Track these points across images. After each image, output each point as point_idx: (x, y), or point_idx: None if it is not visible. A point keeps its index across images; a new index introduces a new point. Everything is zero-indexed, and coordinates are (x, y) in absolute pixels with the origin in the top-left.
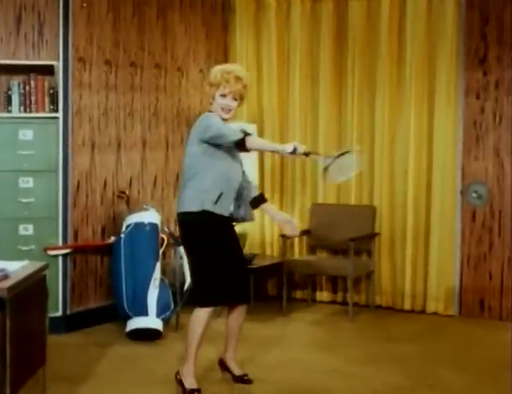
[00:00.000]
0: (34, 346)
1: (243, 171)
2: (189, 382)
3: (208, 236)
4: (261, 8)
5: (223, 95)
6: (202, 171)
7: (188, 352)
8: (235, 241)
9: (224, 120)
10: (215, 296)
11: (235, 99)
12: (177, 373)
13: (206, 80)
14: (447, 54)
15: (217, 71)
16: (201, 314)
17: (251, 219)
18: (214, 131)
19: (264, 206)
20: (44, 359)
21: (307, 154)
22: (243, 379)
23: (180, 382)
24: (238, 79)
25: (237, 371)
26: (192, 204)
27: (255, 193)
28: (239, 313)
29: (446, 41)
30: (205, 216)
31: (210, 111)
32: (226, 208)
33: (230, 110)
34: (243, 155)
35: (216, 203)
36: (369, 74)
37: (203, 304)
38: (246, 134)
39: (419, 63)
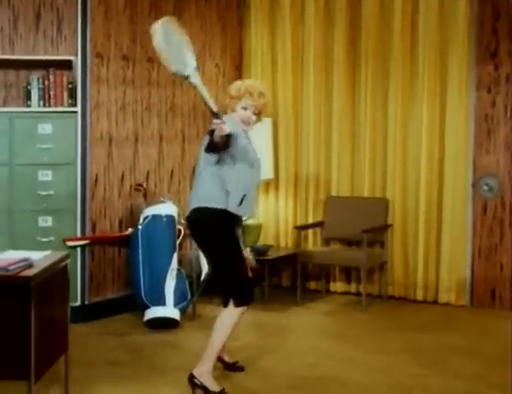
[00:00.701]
0: (56, 334)
1: None
2: (214, 385)
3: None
4: (275, 3)
5: (245, 108)
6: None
7: (211, 351)
8: None
9: (243, 130)
10: (249, 295)
11: (255, 114)
12: (193, 376)
13: (227, 93)
14: (459, 48)
15: (241, 84)
16: (236, 314)
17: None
18: None
19: None
20: (66, 347)
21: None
22: (234, 367)
23: (198, 385)
24: (262, 94)
25: (228, 359)
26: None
27: None
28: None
29: (458, 35)
30: (228, 215)
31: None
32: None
33: (249, 123)
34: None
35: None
36: (382, 68)
37: (241, 303)
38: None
39: (431, 57)
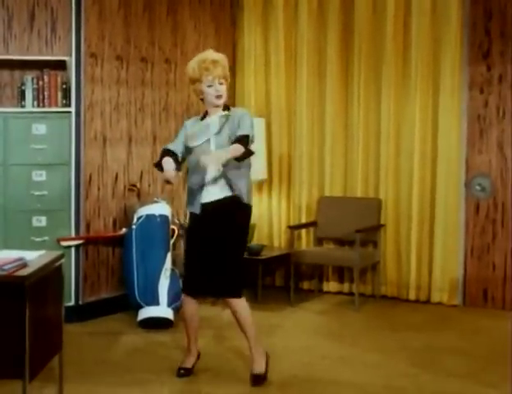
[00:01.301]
0: (50, 333)
1: None
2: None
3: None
4: (268, 4)
5: (210, 85)
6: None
7: (254, 340)
8: None
9: (217, 106)
10: (245, 284)
11: (222, 83)
12: (257, 376)
13: (188, 78)
14: (451, 49)
15: (194, 64)
16: (245, 303)
17: None
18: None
19: None
20: (61, 346)
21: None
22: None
23: (263, 377)
24: (215, 62)
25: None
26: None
27: None
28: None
29: (451, 36)
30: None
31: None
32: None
33: (221, 95)
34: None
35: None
36: (375, 68)
37: (241, 293)
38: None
39: (424, 58)
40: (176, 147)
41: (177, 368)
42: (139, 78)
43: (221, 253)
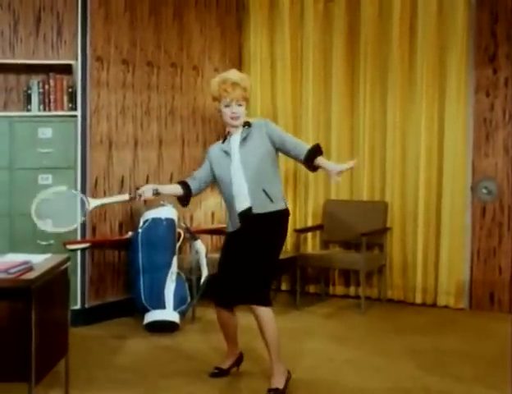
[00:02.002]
0: (56, 336)
1: None
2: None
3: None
4: (274, 8)
5: (227, 105)
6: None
7: (276, 355)
8: None
9: (234, 126)
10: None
11: (240, 105)
12: (275, 390)
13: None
14: (457, 52)
15: (215, 83)
16: (271, 313)
17: None
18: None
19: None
20: (67, 349)
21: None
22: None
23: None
24: (235, 85)
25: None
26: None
27: None
28: None
29: (457, 39)
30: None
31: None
32: None
33: (238, 117)
34: None
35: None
36: (381, 72)
37: (269, 302)
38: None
39: (430, 61)
40: (199, 174)
41: (213, 367)
42: (145, 82)
43: (254, 260)
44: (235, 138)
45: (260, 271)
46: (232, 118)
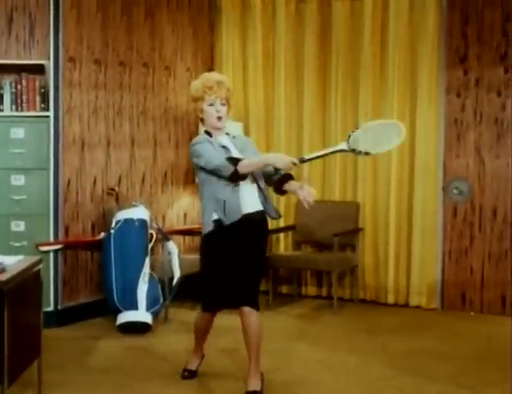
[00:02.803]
0: (29, 338)
1: None
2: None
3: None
4: (246, 8)
5: (211, 104)
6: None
7: (256, 358)
8: None
9: (218, 128)
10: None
11: (224, 104)
12: (254, 392)
13: (190, 97)
14: (429, 53)
15: (197, 83)
16: (257, 318)
17: None
18: (204, 164)
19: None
20: (39, 351)
21: (304, 161)
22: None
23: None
24: (220, 83)
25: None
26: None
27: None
28: None
29: (428, 40)
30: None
31: (204, 127)
32: None
33: (221, 117)
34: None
35: None
36: (353, 72)
37: (258, 305)
38: (234, 160)
39: (401, 62)
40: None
41: (182, 370)
42: (117, 82)
43: (244, 263)
44: (224, 138)
45: (255, 273)
46: (218, 118)
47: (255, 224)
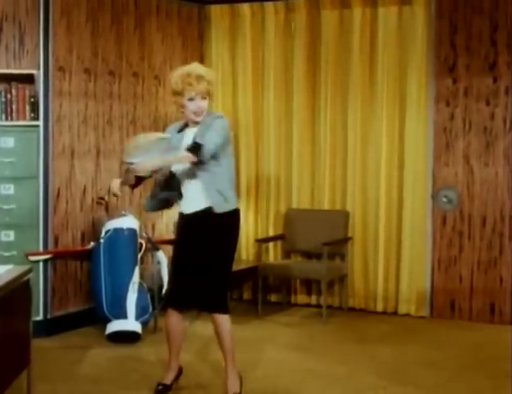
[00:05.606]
0: (18, 348)
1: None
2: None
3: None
4: (236, 18)
5: (191, 99)
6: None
7: (232, 360)
8: None
9: (196, 122)
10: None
11: (204, 98)
12: None
13: (170, 89)
14: (418, 62)
15: (177, 77)
16: (229, 321)
17: None
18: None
19: None
20: (29, 361)
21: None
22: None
23: None
24: (200, 78)
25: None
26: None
27: None
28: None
29: (417, 50)
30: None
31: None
32: None
33: (202, 112)
34: None
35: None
36: (342, 82)
37: (228, 309)
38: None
39: (390, 71)
40: None
41: (156, 384)
42: (107, 91)
43: (208, 265)
44: (192, 131)
45: (219, 275)
46: (196, 113)
47: (198, 224)
